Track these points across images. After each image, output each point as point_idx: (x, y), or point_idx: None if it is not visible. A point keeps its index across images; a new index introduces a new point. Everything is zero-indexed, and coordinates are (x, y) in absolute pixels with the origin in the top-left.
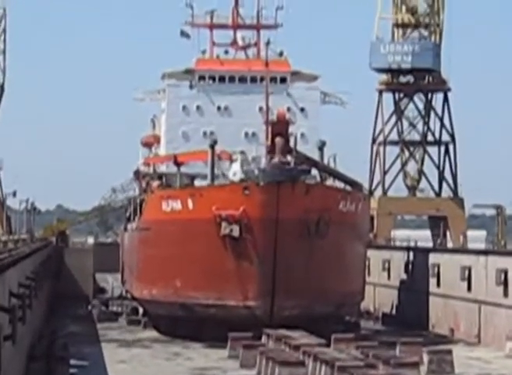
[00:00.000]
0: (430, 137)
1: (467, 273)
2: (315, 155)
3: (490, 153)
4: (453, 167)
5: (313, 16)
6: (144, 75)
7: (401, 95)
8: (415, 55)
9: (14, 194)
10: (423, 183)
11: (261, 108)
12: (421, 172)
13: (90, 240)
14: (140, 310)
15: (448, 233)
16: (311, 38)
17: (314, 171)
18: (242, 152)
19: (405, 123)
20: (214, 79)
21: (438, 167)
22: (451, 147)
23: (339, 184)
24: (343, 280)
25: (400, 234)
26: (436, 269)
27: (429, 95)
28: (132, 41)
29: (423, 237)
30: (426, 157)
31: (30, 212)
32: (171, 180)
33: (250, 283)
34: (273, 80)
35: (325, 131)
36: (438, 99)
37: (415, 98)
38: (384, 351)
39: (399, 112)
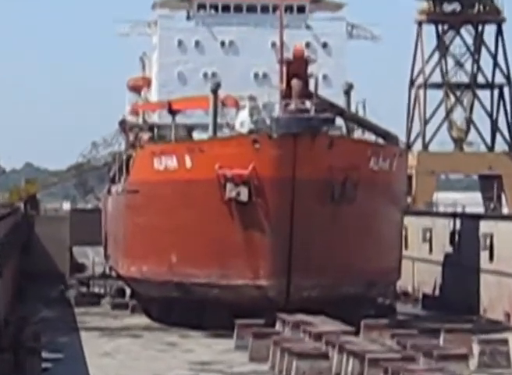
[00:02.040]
0: (481, 79)
1: None
2: (341, 101)
3: None
4: (509, 115)
5: None
6: (131, 4)
7: (445, 27)
8: None
9: None
10: (472, 136)
11: (273, 44)
12: (469, 121)
13: (66, 205)
14: (128, 291)
15: (503, 196)
16: None
17: (340, 120)
18: (251, 98)
19: (450, 62)
20: (216, 8)
21: (490, 115)
22: (506, 90)
23: (370, 137)
24: (375, 254)
25: (443, 198)
26: (489, 240)
27: (480, 27)
28: None
29: (472, 200)
30: (476, 103)
31: None
32: (164, 131)
33: (262, 258)
34: (289, 9)
35: (352, 72)
36: (490, 32)
37: (462, 31)
38: (425, 340)
39: (442, 48)
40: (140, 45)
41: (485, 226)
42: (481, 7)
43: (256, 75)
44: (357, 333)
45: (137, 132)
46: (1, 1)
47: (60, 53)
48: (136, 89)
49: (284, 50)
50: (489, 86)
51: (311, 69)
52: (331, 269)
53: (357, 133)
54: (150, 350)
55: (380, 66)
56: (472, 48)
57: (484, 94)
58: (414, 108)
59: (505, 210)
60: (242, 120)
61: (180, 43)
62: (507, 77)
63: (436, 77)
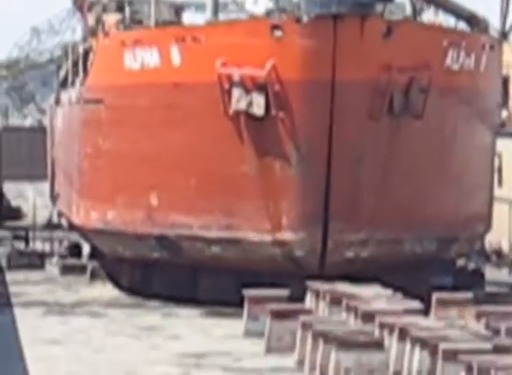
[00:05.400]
0: None
1: None
2: None
3: None
4: None
5: None
6: None
7: None
8: None
9: None
10: None
11: None
12: None
13: None
14: (86, 249)
15: None
16: None
17: None
18: None
19: None
20: None
21: None
22: None
23: (447, 20)
24: (453, 195)
25: None
26: None
27: None
28: None
29: None
30: None
31: None
32: (140, 12)
33: (285, 200)
34: None
35: None
36: None
37: None
38: None
39: None
40: None
41: None
42: None
43: None
44: (426, 311)
45: (100, 13)
46: None
47: None
48: None
49: None
50: None
51: None
52: (388, 216)
53: (428, 15)
54: (118, 336)
55: None
56: None
57: None
58: None
59: None
60: None
61: None
62: None
63: None
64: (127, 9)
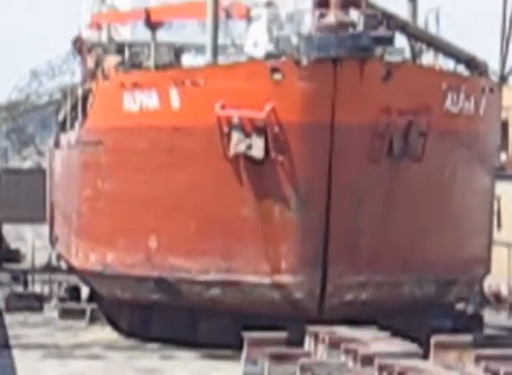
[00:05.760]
0: None
1: None
2: (403, 11)
3: None
4: None
5: None
6: None
7: None
8: None
9: None
10: None
11: None
12: None
13: None
14: (85, 291)
15: None
16: None
17: (401, 39)
18: (269, 4)
19: None
20: None
21: None
22: None
23: (446, 63)
24: (452, 238)
25: None
26: None
27: None
28: None
29: None
30: None
31: None
32: (140, 54)
33: (284, 243)
34: None
35: None
36: None
37: None
38: None
39: None
40: None
41: None
42: None
43: None
44: (425, 355)
45: (100, 55)
46: None
47: None
48: None
49: None
50: None
51: None
52: (387, 259)
53: (427, 59)
54: None
55: None
56: None
57: None
58: None
59: None
60: (255, 38)
61: None
62: None
63: None
64: (127, 52)
